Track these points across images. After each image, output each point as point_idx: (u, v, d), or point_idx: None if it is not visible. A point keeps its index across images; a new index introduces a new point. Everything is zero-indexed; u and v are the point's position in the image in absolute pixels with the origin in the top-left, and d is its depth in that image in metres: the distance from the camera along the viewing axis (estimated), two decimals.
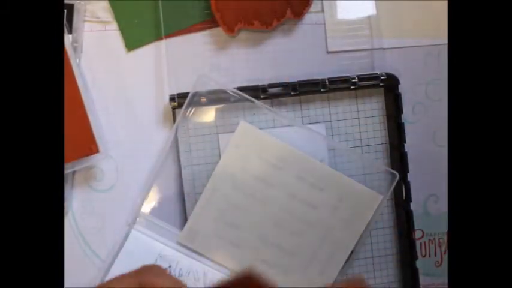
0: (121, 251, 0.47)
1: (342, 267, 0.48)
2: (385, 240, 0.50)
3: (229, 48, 0.50)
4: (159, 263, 0.47)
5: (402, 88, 0.49)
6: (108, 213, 0.49)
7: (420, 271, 0.49)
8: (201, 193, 0.48)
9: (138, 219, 0.48)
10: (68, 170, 0.46)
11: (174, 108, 0.48)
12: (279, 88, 0.48)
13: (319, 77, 0.48)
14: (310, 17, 0.50)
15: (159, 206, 0.49)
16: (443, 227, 0.51)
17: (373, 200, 0.48)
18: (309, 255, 0.48)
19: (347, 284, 0.29)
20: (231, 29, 0.48)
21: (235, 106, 0.49)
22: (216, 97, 0.48)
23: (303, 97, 0.50)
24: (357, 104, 0.50)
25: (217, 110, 0.49)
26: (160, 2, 0.48)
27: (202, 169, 0.49)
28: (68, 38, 0.47)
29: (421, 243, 0.51)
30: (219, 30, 0.49)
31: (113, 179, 0.49)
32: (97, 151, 0.46)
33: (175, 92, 0.48)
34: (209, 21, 0.49)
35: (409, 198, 0.49)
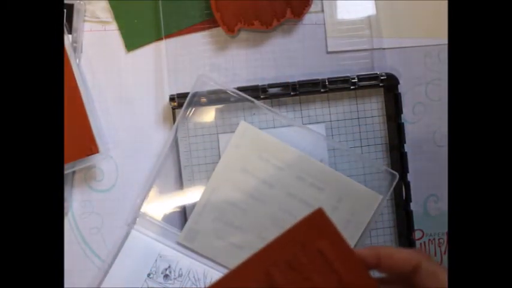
0: (121, 251, 0.47)
1: None
2: (385, 240, 0.50)
3: (229, 48, 0.50)
4: (158, 263, 0.48)
5: (402, 88, 0.49)
6: (108, 213, 0.49)
7: None
8: (200, 193, 0.48)
9: (137, 219, 0.48)
10: (68, 170, 0.46)
11: (174, 108, 0.48)
12: (279, 88, 0.48)
13: (319, 77, 0.48)
14: (310, 17, 0.50)
15: (159, 206, 0.49)
16: (443, 227, 0.51)
17: (373, 200, 0.48)
18: None
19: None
20: (231, 29, 0.48)
21: (235, 106, 0.49)
22: (216, 97, 0.48)
23: (303, 97, 0.50)
24: (356, 104, 0.50)
25: (217, 110, 0.49)
26: (160, 2, 0.48)
27: (202, 169, 0.49)
28: (68, 38, 0.47)
29: (421, 243, 0.51)
30: (219, 30, 0.49)
31: (113, 179, 0.49)
32: (97, 151, 0.46)
33: (175, 92, 0.48)
34: (209, 21, 0.49)
35: (409, 198, 0.49)
